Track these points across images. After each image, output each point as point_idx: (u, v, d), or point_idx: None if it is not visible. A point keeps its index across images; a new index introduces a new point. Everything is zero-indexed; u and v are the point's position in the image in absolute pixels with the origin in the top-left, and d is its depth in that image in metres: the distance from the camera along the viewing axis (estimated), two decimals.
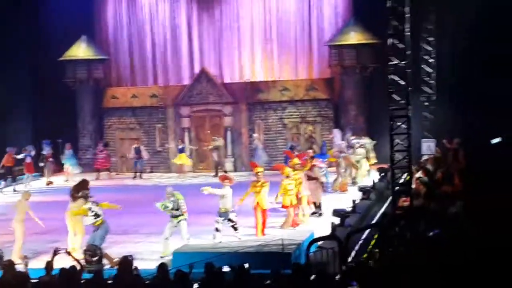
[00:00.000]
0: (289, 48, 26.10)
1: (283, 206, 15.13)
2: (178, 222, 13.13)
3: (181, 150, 24.03)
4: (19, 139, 23.47)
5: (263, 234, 14.13)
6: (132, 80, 27.20)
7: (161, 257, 12.53)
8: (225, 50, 26.47)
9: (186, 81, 26.45)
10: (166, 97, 25.94)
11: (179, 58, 26.74)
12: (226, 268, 9.58)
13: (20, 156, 22.41)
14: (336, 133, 21.99)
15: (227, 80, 26.35)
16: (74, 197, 13.30)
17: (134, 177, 24.18)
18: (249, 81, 25.88)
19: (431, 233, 10.92)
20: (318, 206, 16.39)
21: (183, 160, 23.81)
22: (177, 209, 13.10)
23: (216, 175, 22.45)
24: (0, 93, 24.11)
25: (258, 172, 14.59)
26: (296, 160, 16.01)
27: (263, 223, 14.31)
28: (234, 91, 25.54)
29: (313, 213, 16.15)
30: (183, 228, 13.15)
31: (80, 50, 26.04)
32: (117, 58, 27.13)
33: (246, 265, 9.25)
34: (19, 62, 24.27)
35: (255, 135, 23.02)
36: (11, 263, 9.75)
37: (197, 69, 26.24)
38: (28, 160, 22.47)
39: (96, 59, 26.24)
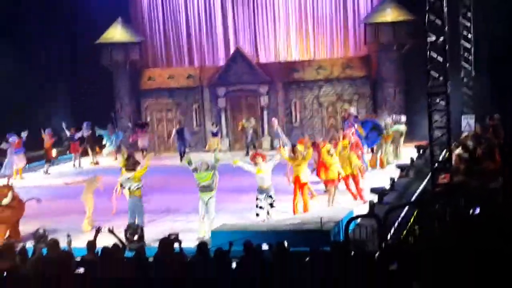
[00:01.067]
0: (325, 27, 25.92)
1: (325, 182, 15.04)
2: (208, 199, 13.00)
3: (215, 134, 23.80)
4: (58, 121, 23.83)
5: (306, 210, 13.99)
6: (168, 61, 27.34)
7: (199, 237, 12.61)
8: (260, 29, 26.42)
9: (222, 61, 26.48)
10: (202, 77, 26.04)
11: (214, 38, 26.77)
12: (265, 246, 9.64)
13: (78, 134, 22.87)
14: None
15: (262, 59, 26.32)
16: (128, 169, 13.46)
17: (181, 160, 22.67)
18: (284, 60, 25.78)
19: (471, 211, 10.82)
20: None
21: (216, 145, 22.89)
22: (209, 176, 12.91)
23: (247, 154, 22.27)
24: (40, 76, 24.58)
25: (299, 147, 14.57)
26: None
27: (304, 198, 14.11)
28: (270, 70, 25.50)
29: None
30: (212, 206, 13.03)
31: (116, 33, 26.24)
32: (152, 39, 27.28)
33: (285, 243, 9.28)
34: (58, 46, 24.59)
35: (274, 119, 22.35)
36: (55, 242, 9.92)
37: (232, 49, 26.25)
38: (75, 140, 22.90)
39: (132, 41, 26.42)
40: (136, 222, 12.61)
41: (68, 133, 23.21)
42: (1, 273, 8.73)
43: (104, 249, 9.41)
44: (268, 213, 13.42)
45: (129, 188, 13.09)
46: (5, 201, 12.86)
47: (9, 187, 13.27)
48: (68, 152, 24.00)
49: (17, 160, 20.70)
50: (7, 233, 12.85)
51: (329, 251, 9.28)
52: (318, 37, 26.09)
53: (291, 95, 25.48)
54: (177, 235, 10.08)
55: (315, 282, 8.24)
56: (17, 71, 23.77)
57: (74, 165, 23.24)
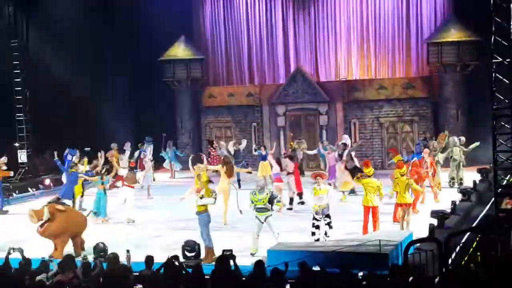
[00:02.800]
0: (386, 46, 25.73)
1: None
2: (265, 218, 13.03)
3: (264, 158, 20.07)
4: (120, 137, 24.24)
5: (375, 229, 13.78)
6: (229, 79, 27.63)
7: (251, 254, 12.61)
8: (321, 48, 26.42)
9: (282, 80, 26.58)
10: (262, 96, 26.17)
11: (275, 57, 26.92)
12: (315, 268, 9.50)
13: (136, 154, 22.54)
14: (346, 138, 21.10)
15: (322, 79, 26.28)
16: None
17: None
18: (345, 79, 25.68)
19: None
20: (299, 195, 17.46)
21: (266, 169, 19.68)
22: (269, 202, 12.99)
23: (301, 174, 21.81)
24: (104, 92, 25.16)
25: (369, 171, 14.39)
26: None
27: (374, 221, 13.87)
28: (330, 90, 25.42)
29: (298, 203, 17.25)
30: (271, 224, 13.08)
31: (179, 50, 26.72)
32: (214, 57, 27.65)
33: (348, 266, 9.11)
34: (121, 62, 25.13)
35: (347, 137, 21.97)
36: (115, 256, 10.12)
37: (292, 68, 26.32)
38: (142, 156, 22.47)
39: (194, 58, 26.82)
40: (205, 237, 12.64)
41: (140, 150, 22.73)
42: (63, 285, 8.91)
43: (164, 265, 9.51)
44: (326, 233, 13.34)
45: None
46: (45, 217, 13.12)
47: (48, 206, 13.39)
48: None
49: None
50: (60, 246, 13.02)
51: (387, 274, 9.13)
52: (380, 56, 25.90)
53: (351, 114, 25.31)
54: (231, 251, 10.11)
55: None
56: (85, 86, 24.45)
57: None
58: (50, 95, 24.03)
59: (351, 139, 24.61)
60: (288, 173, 17.81)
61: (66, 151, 19.39)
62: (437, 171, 18.34)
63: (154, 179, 23.23)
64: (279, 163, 19.24)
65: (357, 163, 19.24)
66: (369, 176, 14.17)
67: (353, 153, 19.88)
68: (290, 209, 17.30)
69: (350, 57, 26.14)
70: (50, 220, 13.07)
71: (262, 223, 13.03)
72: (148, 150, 23.12)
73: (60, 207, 13.23)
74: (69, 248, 13.07)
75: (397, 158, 15.86)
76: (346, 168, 18.87)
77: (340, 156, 19.24)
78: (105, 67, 24.88)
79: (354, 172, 17.49)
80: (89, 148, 21.32)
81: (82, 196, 17.90)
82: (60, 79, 24.03)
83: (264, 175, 18.92)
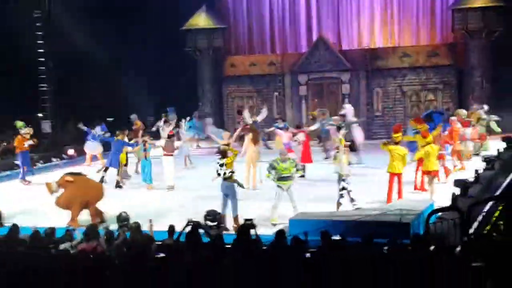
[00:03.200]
0: (410, 13, 25.37)
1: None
2: (288, 187, 13.05)
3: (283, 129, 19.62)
4: (141, 107, 24.34)
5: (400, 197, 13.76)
6: (250, 48, 27.49)
7: (272, 224, 12.66)
8: (343, 16, 26.14)
9: (304, 48, 26.38)
10: (284, 65, 26.02)
11: (297, 25, 26.69)
12: (336, 237, 9.50)
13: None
14: (349, 109, 20.27)
15: (345, 47, 26.04)
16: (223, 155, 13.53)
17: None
18: (368, 47, 25.41)
19: None
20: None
21: (278, 145, 19.24)
22: (290, 172, 12.99)
23: (320, 143, 21.73)
24: (126, 63, 25.18)
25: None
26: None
27: (399, 189, 13.83)
28: (352, 58, 25.19)
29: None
30: (293, 193, 13.10)
31: (201, 20, 26.59)
32: (236, 26, 27.49)
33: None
34: (143, 33, 25.08)
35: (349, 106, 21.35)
36: (137, 225, 10.24)
37: (315, 37, 26.08)
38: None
39: (216, 28, 26.70)
40: (230, 206, 12.72)
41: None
42: (87, 253, 9.05)
43: (186, 235, 9.59)
44: (352, 200, 13.23)
45: (223, 174, 13.04)
46: (54, 188, 13.53)
47: (60, 178, 13.76)
48: None
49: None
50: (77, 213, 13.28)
51: (408, 243, 9.11)
52: (403, 23, 25.56)
53: (374, 83, 25.10)
54: (252, 221, 10.15)
55: (394, 275, 8.10)
56: (107, 57, 24.50)
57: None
58: (72, 66, 24.12)
59: (373, 107, 24.47)
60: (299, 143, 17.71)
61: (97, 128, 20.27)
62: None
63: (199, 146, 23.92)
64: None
65: (357, 137, 18.53)
66: (396, 143, 14.08)
67: (355, 126, 19.18)
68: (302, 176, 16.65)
69: (373, 25, 25.84)
70: (63, 191, 13.37)
71: (284, 191, 13.05)
72: (173, 120, 23.18)
73: (69, 177, 13.53)
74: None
75: (423, 127, 15.75)
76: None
77: (339, 128, 17.72)
78: (127, 37, 24.86)
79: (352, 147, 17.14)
80: (112, 119, 21.49)
81: (126, 165, 18.11)
82: (82, 51, 24.08)
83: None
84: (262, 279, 8.13)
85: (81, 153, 21.98)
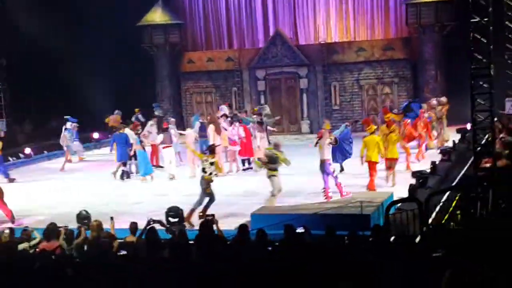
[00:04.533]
0: (365, 7, 25.65)
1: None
2: (269, 176, 13.50)
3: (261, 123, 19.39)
4: (102, 104, 24.08)
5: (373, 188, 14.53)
6: (208, 44, 27.43)
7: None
8: (299, 10, 26.27)
9: (261, 43, 26.44)
10: (241, 60, 26.04)
11: (253, 20, 26.75)
12: (300, 229, 9.60)
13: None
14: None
15: (302, 42, 26.18)
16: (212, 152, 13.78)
17: None
18: (324, 42, 25.61)
19: None
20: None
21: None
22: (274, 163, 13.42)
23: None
24: (83, 59, 24.84)
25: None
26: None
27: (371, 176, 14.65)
28: (309, 52, 25.36)
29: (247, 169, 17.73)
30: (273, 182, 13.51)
31: (157, 15, 26.42)
32: (192, 22, 27.39)
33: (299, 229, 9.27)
34: (99, 28, 24.77)
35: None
36: (99, 224, 10.14)
37: (272, 32, 26.16)
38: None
39: (172, 23, 26.55)
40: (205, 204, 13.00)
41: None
42: (49, 253, 8.93)
43: (148, 231, 9.56)
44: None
45: (210, 173, 13.14)
46: None
47: None
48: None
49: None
50: None
51: (369, 235, 9.25)
52: (359, 17, 25.84)
53: (331, 77, 25.32)
54: (213, 216, 10.17)
55: (354, 266, 8.22)
56: (63, 53, 24.12)
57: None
58: (27, 63, 23.69)
59: (331, 101, 24.70)
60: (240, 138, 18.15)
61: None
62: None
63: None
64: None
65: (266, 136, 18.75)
66: (371, 133, 14.96)
67: (269, 126, 19.58)
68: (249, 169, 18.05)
69: (329, 19, 26.04)
70: None
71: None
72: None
73: None
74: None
75: (387, 117, 16.56)
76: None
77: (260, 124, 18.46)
78: (84, 33, 24.56)
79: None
80: (70, 116, 21.26)
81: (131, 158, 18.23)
82: (37, 47, 23.65)
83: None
84: (227, 275, 8.15)
85: (38, 151, 21.62)
